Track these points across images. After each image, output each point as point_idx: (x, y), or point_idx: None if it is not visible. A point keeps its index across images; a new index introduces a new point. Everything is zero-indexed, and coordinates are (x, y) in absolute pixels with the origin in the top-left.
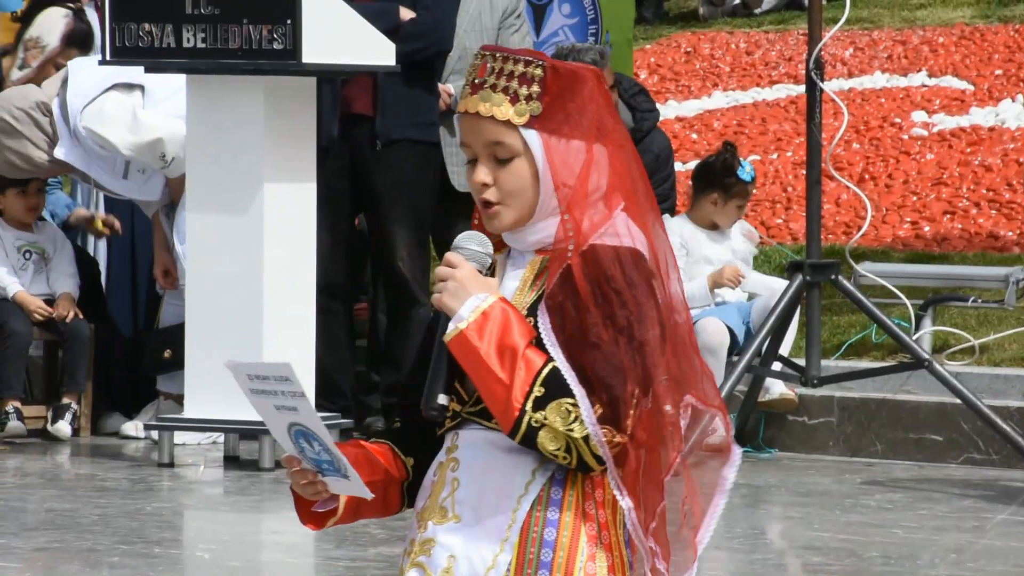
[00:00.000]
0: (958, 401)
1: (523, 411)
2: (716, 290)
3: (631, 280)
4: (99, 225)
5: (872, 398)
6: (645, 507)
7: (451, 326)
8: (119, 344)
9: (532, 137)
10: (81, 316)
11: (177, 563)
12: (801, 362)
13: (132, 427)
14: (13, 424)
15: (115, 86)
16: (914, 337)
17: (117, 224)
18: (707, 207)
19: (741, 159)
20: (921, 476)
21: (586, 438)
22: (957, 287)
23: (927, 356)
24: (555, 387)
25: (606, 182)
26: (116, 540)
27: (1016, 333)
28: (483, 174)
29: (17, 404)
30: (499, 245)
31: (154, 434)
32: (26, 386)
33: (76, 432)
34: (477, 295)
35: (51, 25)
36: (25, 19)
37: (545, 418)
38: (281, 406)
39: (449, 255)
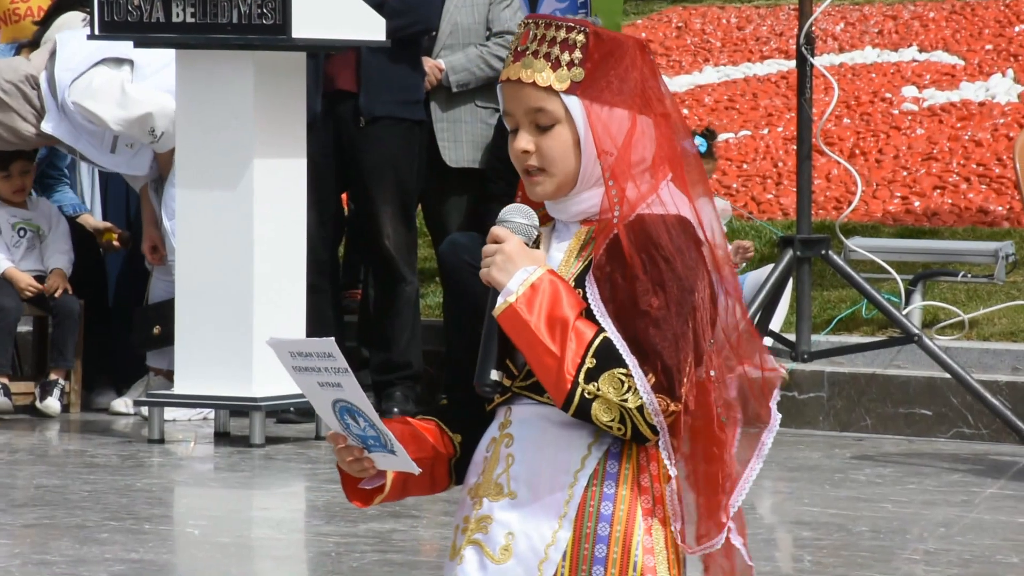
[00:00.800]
0: (947, 376)
1: (576, 383)
2: None
3: (680, 247)
4: (112, 238)
5: (862, 373)
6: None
7: (500, 300)
8: (113, 320)
9: (574, 103)
10: (71, 292)
11: (167, 539)
12: (791, 337)
13: (122, 403)
14: (0, 400)
15: (104, 60)
16: (904, 312)
17: (126, 236)
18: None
19: (707, 135)
20: (911, 451)
21: (640, 408)
22: (947, 262)
23: (917, 331)
24: (607, 358)
25: (651, 153)
26: (106, 516)
27: (1005, 308)
28: (524, 141)
29: (4, 380)
30: (544, 218)
31: (144, 410)
32: (15, 362)
33: (66, 408)
34: (525, 268)
35: (70, 27)
36: (44, 21)
37: (598, 389)
38: (325, 383)
39: (495, 229)
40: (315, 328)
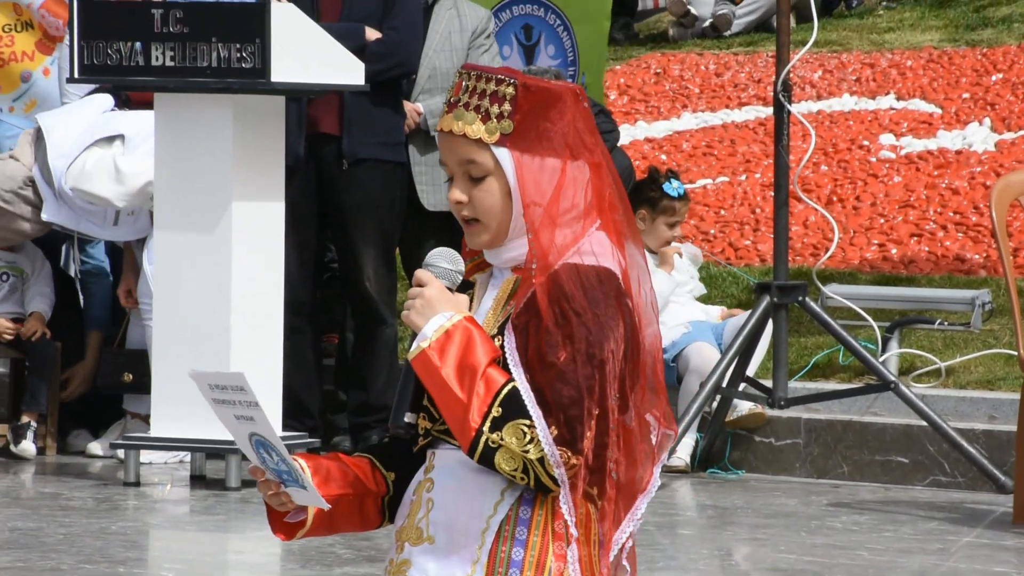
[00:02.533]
0: (924, 423)
1: (480, 431)
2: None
3: (594, 299)
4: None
5: (839, 420)
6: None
7: (414, 344)
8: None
9: (503, 155)
10: (48, 335)
11: None
12: (768, 383)
13: (98, 446)
14: None
15: (96, 142)
16: (880, 359)
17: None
18: (638, 226)
19: (673, 177)
20: (887, 498)
21: (541, 460)
22: (923, 309)
23: (893, 378)
24: (513, 407)
25: (583, 200)
26: (80, 560)
27: (982, 356)
28: (458, 192)
29: None
30: (484, 263)
31: (120, 453)
32: None
33: (42, 451)
34: (443, 313)
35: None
36: None
37: (502, 438)
38: (240, 416)
39: (419, 273)
40: (294, 371)
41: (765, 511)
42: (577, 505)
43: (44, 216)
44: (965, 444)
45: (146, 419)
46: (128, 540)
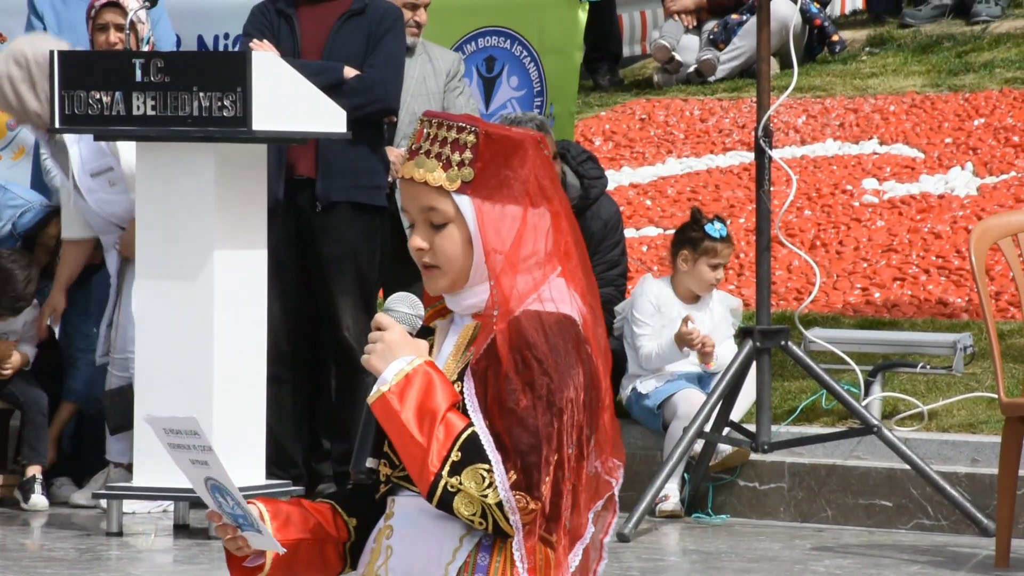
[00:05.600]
0: (907, 467)
1: (439, 475)
2: (688, 351)
3: (554, 346)
4: None
5: (822, 464)
6: (581, 570)
7: (374, 388)
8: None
9: (464, 203)
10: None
11: None
12: (752, 427)
13: (81, 496)
14: None
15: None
16: (863, 403)
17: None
18: (680, 267)
19: (717, 220)
20: (871, 542)
21: (499, 504)
22: (906, 353)
23: (876, 422)
24: (472, 452)
25: (544, 247)
26: None
27: (964, 399)
28: (419, 239)
29: None
30: (444, 310)
31: (103, 502)
32: None
33: (25, 501)
34: (403, 357)
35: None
36: None
37: (460, 483)
38: (195, 460)
39: (379, 317)
40: (277, 419)
41: (749, 555)
42: (531, 551)
43: (68, 234)
44: (948, 487)
45: (129, 468)
46: None
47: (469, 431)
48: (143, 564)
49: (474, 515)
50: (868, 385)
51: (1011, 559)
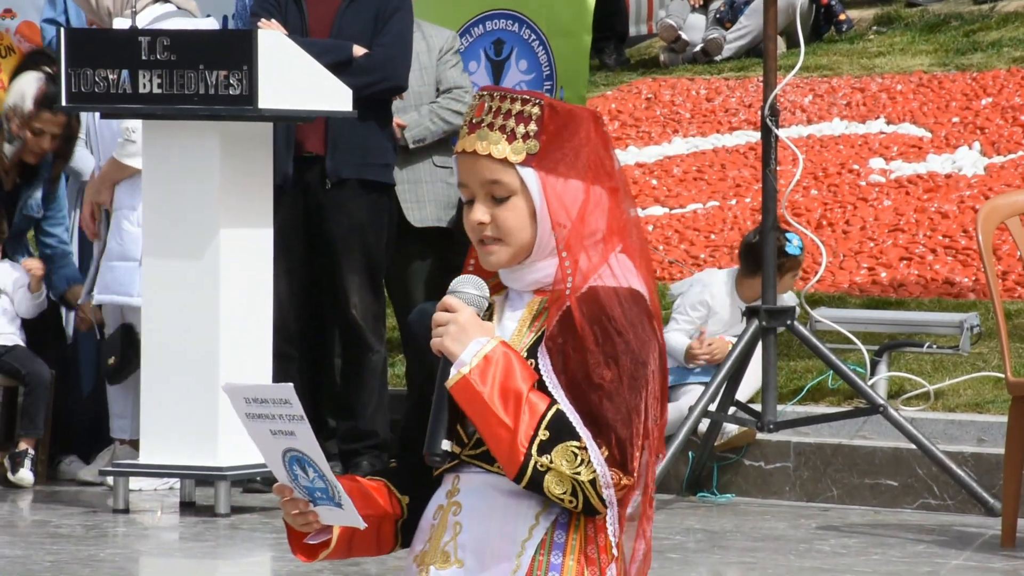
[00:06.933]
0: (913, 446)
1: (528, 455)
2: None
3: (632, 320)
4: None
5: (828, 443)
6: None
7: (453, 371)
8: (77, 389)
9: (529, 175)
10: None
11: None
12: (757, 407)
13: (88, 473)
14: None
15: None
16: (869, 383)
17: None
18: (758, 287)
19: (788, 233)
20: (876, 521)
21: (593, 481)
22: (912, 333)
23: (882, 402)
24: (560, 430)
25: (605, 224)
26: None
27: (970, 379)
28: (480, 212)
29: None
30: (496, 287)
31: (109, 480)
32: None
33: (13, 473)
34: (478, 339)
35: (24, 89)
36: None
37: (551, 462)
38: (278, 431)
39: (448, 299)
40: None
41: (754, 535)
42: (623, 526)
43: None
44: (954, 467)
45: (134, 445)
46: (117, 567)
47: (554, 409)
48: (149, 541)
49: (565, 493)
50: (874, 365)
51: (1017, 539)
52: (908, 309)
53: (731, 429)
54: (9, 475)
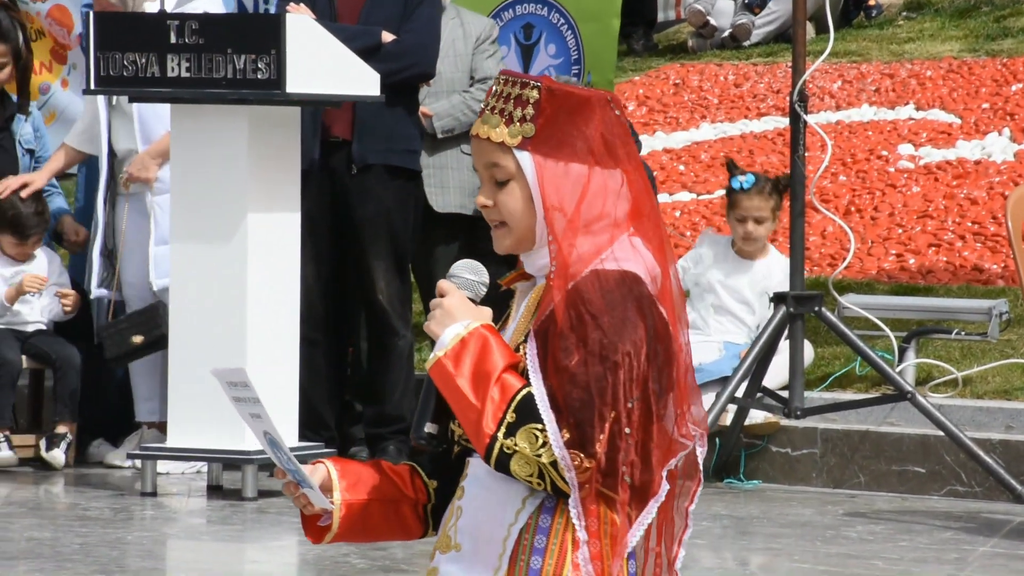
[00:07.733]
0: (941, 433)
1: (494, 437)
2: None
3: (611, 302)
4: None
5: (855, 430)
6: (667, 537)
7: (432, 354)
8: (107, 372)
9: (525, 159)
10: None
11: None
12: (784, 393)
13: (116, 456)
14: (4, 454)
15: None
16: (897, 369)
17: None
18: (732, 224)
19: (743, 171)
20: (903, 508)
21: (554, 463)
22: (941, 320)
23: (910, 388)
24: (527, 413)
25: (615, 209)
26: (96, 569)
27: (999, 366)
28: (484, 195)
29: (7, 433)
30: (524, 274)
31: (137, 463)
32: (13, 414)
33: (46, 451)
34: (460, 322)
35: None
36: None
37: (516, 444)
38: (253, 413)
39: (441, 283)
40: (310, 382)
41: (781, 521)
42: (593, 513)
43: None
44: (982, 454)
45: (161, 427)
46: (144, 550)
47: (524, 392)
48: (177, 524)
49: (531, 476)
50: (902, 351)
51: None
52: (936, 296)
53: (756, 416)
54: (43, 452)
